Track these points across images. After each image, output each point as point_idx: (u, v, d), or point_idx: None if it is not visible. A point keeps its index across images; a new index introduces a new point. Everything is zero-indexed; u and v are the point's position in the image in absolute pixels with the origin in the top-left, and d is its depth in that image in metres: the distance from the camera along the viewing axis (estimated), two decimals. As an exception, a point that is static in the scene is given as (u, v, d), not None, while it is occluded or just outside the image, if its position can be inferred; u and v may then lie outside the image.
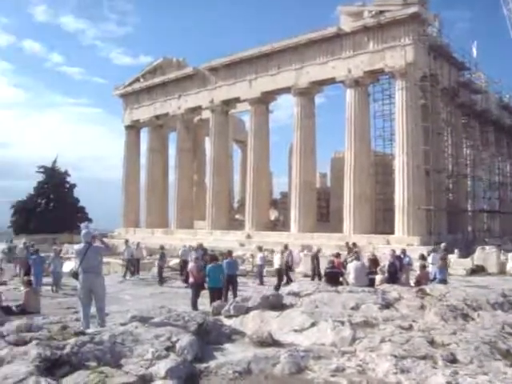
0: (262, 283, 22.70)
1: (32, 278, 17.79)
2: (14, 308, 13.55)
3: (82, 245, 9.90)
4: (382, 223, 34.56)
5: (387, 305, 8.79)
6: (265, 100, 39.34)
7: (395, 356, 5.81)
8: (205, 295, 15.28)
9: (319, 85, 36.62)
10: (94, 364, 5.39)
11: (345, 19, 33.93)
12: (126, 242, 28.88)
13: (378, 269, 18.16)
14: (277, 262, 22.46)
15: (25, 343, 5.95)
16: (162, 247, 26.71)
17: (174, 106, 45.29)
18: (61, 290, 20.15)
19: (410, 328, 7.30)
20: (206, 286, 15.51)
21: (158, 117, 47.44)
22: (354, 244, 24.36)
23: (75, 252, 10.15)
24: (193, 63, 44.89)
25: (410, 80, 30.96)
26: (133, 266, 26.49)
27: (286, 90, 37.53)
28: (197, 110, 44.69)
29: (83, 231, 10.17)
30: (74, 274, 9.85)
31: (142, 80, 48.69)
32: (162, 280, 23.33)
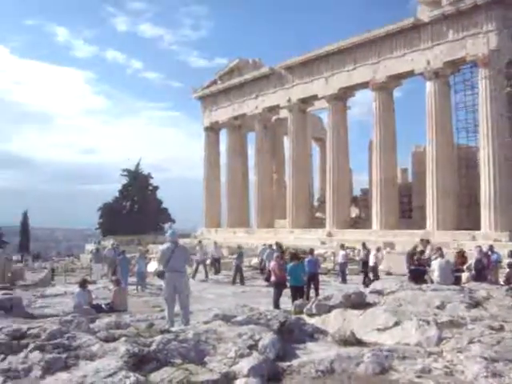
0: (344, 281, 22.47)
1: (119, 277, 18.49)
2: (103, 306, 14.17)
3: (168, 244, 10.12)
4: (467, 219, 33.21)
5: (475, 304, 8.44)
6: (342, 96, 38.89)
7: (485, 358, 5.56)
8: (287, 294, 15.30)
9: (397, 78, 35.76)
10: (179, 361, 5.53)
11: (422, 9, 32.92)
12: (200, 242, 29.31)
13: (464, 266, 17.52)
14: (372, 259, 22.04)
15: (114, 340, 6.21)
16: (239, 246, 26.96)
17: (251, 106, 45.69)
18: (146, 289, 20.78)
19: (501, 328, 6.97)
20: (287, 284, 15.52)
21: (236, 117, 48.02)
22: (428, 241, 23.49)
23: (161, 252, 10.35)
24: (268, 63, 45.13)
25: (493, 68, 29.58)
26: (213, 266, 26.92)
27: (364, 85, 36.95)
28: (274, 109, 44.87)
29: (169, 231, 10.45)
30: (160, 274, 10.10)
31: (219, 82, 49.46)
32: (241, 279, 23.38)
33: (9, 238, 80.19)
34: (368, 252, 23.01)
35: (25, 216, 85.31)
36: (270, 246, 26.17)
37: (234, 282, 23.22)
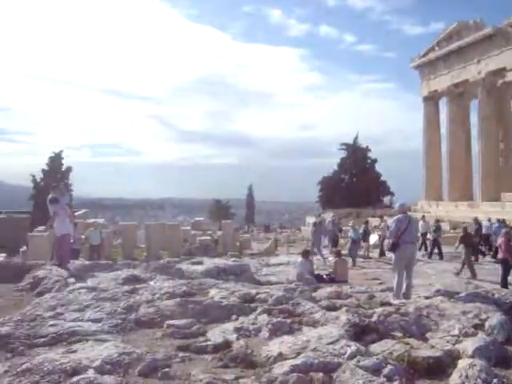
0: None
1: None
2: (324, 276, 14.65)
3: (399, 216, 9.91)
4: None
5: None
6: None
7: None
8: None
9: None
10: (399, 334, 5.51)
11: None
12: (423, 217, 28.27)
13: None
14: None
15: (335, 309, 6.41)
16: (437, 220, 25.81)
17: (473, 72, 42.56)
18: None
19: None
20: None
21: (456, 85, 45.20)
22: None
23: (394, 223, 9.99)
24: (490, 23, 41.33)
25: None
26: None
27: None
28: (500, 72, 41.14)
29: (398, 203, 10.36)
30: (393, 246, 9.93)
31: (436, 48, 46.85)
32: (439, 254, 22.38)
33: (236, 211, 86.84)
34: None
35: (250, 190, 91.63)
36: (499, 220, 24.51)
37: (430, 256, 22.52)
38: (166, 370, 4.68)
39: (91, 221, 27.20)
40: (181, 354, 5.15)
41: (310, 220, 47.41)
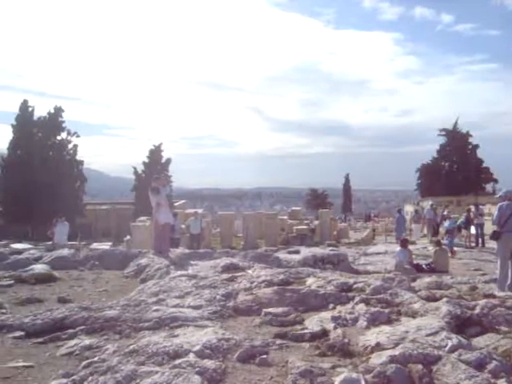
0: None
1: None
2: (424, 266, 14.24)
3: (504, 204, 9.44)
4: None
5: None
6: None
7: None
8: None
9: None
10: (505, 329, 5.26)
11: None
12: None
13: None
14: None
15: (435, 300, 6.22)
16: None
17: None
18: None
19: None
20: None
21: None
22: None
23: (497, 211, 9.57)
24: None
25: None
26: None
27: None
28: None
29: (503, 190, 9.82)
30: (495, 235, 9.48)
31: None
32: None
33: (333, 200, 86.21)
34: None
35: (347, 179, 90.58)
36: None
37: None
38: (264, 356, 4.76)
39: (192, 211, 28.01)
40: (278, 342, 5.21)
41: (409, 208, 46.23)
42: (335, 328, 5.61)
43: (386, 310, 6.03)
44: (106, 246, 17.37)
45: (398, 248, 15.28)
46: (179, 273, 8.01)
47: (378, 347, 4.82)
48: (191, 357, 4.60)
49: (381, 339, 4.97)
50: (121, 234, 29.52)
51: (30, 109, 39.87)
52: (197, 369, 4.31)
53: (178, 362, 4.46)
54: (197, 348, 4.80)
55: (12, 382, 4.68)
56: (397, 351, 4.50)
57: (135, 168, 42.84)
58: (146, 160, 42.76)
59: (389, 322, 5.75)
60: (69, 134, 40.52)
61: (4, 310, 6.87)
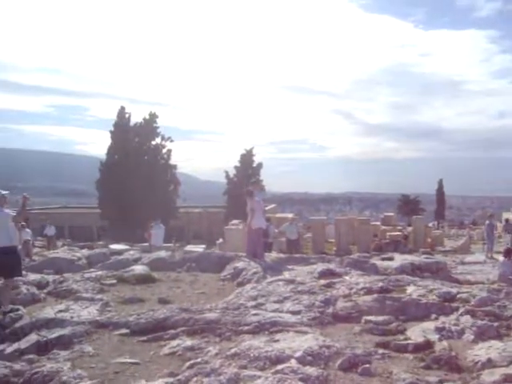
0: None
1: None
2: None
3: None
4: None
5: None
6: None
7: None
8: None
9: None
10: None
11: None
12: None
13: None
14: None
15: None
16: None
17: None
18: None
19: None
20: None
21: None
22: None
23: None
24: None
25: None
26: None
27: None
28: None
29: None
30: None
31: None
32: None
33: (425, 206, 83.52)
34: None
35: (440, 184, 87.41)
36: None
37: None
38: (367, 366, 4.65)
39: (282, 215, 28.00)
40: (380, 351, 5.08)
41: (509, 216, 43.92)
42: (440, 340, 5.40)
43: (495, 324, 5.73)
44: (199, 248, 17.73)
45: (501, 258, 14.52)
46: (276, 277, 8.00)
47: (490, 364, 4.58)
48: (293, 363, 4.57)
49: (492, 355, 4.72)
50: (212, 236, 30.11)
51: (127, 115, 41.56)
52: (299, 375, 4.28)
53: (280, 367, 4.44)
54: (298, 354, 4.76)
55: (121, 376, 4.86)
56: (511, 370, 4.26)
57: (227, 172, 43.53)
58: (238, 164, 43.33)
59: (498, 336, 5.47)
60: (163, 139, 41.79)
61: (110, 308, 7.17)
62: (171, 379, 4.38)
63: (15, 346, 6.00)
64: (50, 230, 26.22)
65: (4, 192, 7.46)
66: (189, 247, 18.84)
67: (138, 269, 9.82)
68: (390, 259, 12.44)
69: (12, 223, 7.36)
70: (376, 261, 11.26)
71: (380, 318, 6.06)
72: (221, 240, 21.84)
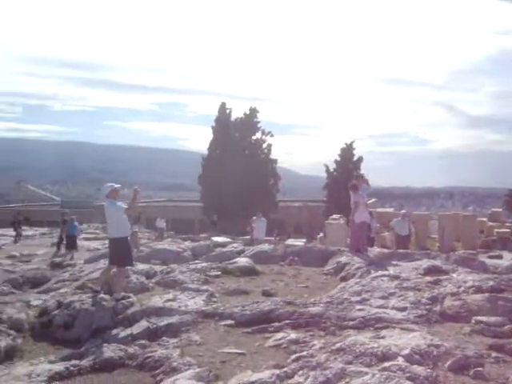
0: None
1: None
2: None
3: None
4: None
5: None
6: None
7: None
8: None
9: None
10: None
11: None
12: None
13: None
14: None
15: None
16: None
17: None
18: None
19: None
20: None
21: None
22: None
23: None
24: None
25: None
26: None
27: None
28: None
29: None
30: None
31: None
32: None
33: None
34: None
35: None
36: None
37: None
38: (479, 369, 4.45)
39: (388, 210, 27.32)
40: (494, 354, 4.84)
41: None
42: None
43: None
44: (300, 242, 17.78)
45: None
46: (380, 273, 7.85)
47: None
48: (400, 361, 4.46)
49: None
50: (312, 231, 30.08)
51: (228, 111, 42.45)
52: (407, 374, 4.18)
53: (386, 364, 4.36)
54: (405, 352, 4.65)
55: (228, 366, 4.99)
56: None
57: (327, 166, 43.27)
58: (338, 158, 42.96)
59: None
60: (263, 133, 42.29)
61: (215, 299, 7.36)
62: (277, 371, 4.43)
63: (128, 331, 6.35)
64: (161, 223, 27.63)
65: (117, 185, 7.90)
66: (290, 241, 18.95)
67: (242, 261, 10.02)
68: (499, 257, 11.84)
69: (124, 215, 7.77)
70: (483, 258, 10.76)
71: (492, 319, 5.77)
72: (321, 234, 21.77)
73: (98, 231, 29.13)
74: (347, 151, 43.02)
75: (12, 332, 6.74)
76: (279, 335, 5.65)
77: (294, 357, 4.85)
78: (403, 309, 6.16)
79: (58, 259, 16.23)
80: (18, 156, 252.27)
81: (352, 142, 43.83)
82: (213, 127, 42.19)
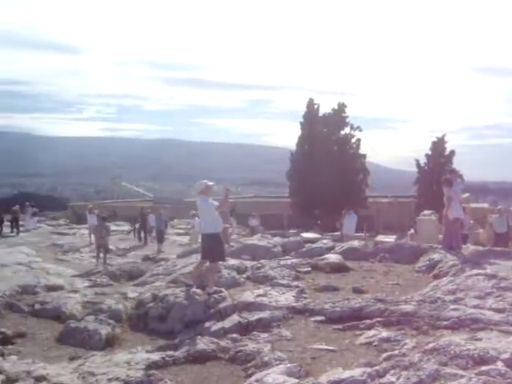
0: None
1: None
2: None
3: None
4: None
5: None
6: None
7: None
8: None
9: None
10: None
11: None
12: None
13: None
14: None
15: None
16: None
17: None
18: None
19: None
20: None
21: None
22: None
23: None
24: None
25: None
26: None
27: None
28: None
29: None
30: None
31: None
32: None
33: None
34: None
35: None
36: None
37: None
38: None
39: (483, 205, 26.20)
40: None
41: None
42: None
43: None
44: (390, 238, 17.40)
45: None
46: (476, 271, 7.54)
47: None
48: (499, 365, 4.28)
49: None
50: (403, 227, 29.33)
51: (315, 106, 42.21)
52: (508, 380, 4.00)
53: (484, 368, 4.20)
54: (505, 356, 4.45)
55: (318, 362, 5.01)
56: None
57: (417, 160, 41.98)
58: (429, 152, 41.59)
59: None
60: (352, 128, 41.71)
61: (305, 295, 7.40)
62: (368, 369, 4.38)
63: (219, 324, 6.52)
64: (254, 221, 28.02)
65: (210, 183, 8.10)
66: (380, 237, 18.60)
67: (332, 257, 9.99)
68: None
69: (217, 212, 7.95)
70: None
71: None
72: (412, 230, 21.19)
73: (189, 226, 29.90)
74: (439, 145, 41.49)
75: (111, 321, 7.14)
76: (370, 333, 5.60)
77: (385, 355, 4.79)
78: (501, 310, 5.88)
79: (150, 253, 16.96)
80: (113, 154, 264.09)
81: (444, 136, 42.24)
82: (301, 123, 42.10)
